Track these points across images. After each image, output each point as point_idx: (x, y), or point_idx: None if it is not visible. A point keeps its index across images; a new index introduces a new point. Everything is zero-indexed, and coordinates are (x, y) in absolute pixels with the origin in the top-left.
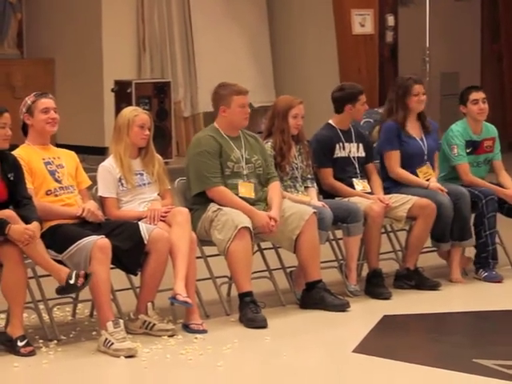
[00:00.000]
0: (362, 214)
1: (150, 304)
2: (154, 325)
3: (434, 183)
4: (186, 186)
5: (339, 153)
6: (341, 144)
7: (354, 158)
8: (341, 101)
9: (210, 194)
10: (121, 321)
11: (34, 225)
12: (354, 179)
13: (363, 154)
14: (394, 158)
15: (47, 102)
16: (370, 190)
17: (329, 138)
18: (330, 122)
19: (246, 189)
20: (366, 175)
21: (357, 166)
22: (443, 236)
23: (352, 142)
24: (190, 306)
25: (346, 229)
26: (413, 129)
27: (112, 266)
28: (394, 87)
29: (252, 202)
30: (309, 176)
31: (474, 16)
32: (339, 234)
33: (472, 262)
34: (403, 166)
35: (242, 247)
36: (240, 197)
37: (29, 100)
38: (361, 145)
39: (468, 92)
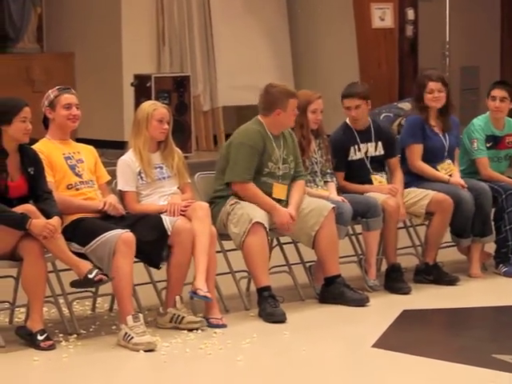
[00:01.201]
0: (381, 209)
1: (178, 297)
2: (184, 318)
3: (454, 178)
4: (203, 179)
5: (354, 156)
6: (356, 146)
7: (367, 157)
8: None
9: (235, 188)
10: (140, 315)
11: (55, 219)
12: (372, 176)
13: (382, 152)
14: (416, 152)
15: (70, 97)
16: (385, 183)
17: (344, 142)
18: (347, 121)
19: (280, 190)
20: (389, 170)
21: (369, 166)
22: (464, 231)
23: (370, 141)
24: (210, 300)
25: (365, 223)
26: (436, 124)
27: (135, 259)
28: (414, 83)
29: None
30: (328, 170)
31: (494, 10)
32: (359, 228)
33: (491, 257)
34: (423, 161)
35: (256, 241)
36: (273, 198)
37: (52, 94)
38: (380, 143)
39: (492, 87)
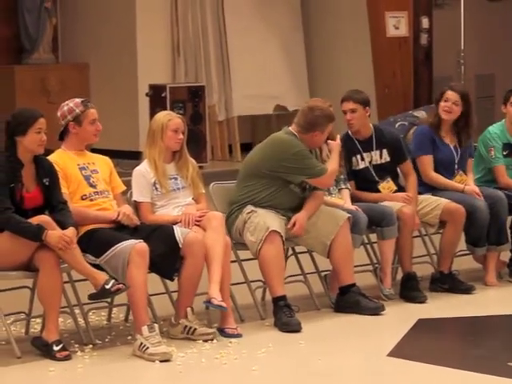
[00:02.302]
0: (396, 217)
1: (189, 309)
2: (195, 329)
3: (469, 187)
4: (218, 189)
5: (358, 165)
6: (358, 156)
7: (372, 166)
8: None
9: (325, 182)
10: (156, 325)
11: (71, 230)
12: (378, 186)
13: (387, 159)
14: (427, 163)
15: (95, 112)
16: (396, 188)
17: (345, 152)
18: (349, 131)
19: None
20: (402, 175)
21: (374, 174)
22: (479, 240)
23: (373, 149)
24: (225, 309)
25: (380, 232)
26: (447, 135)
27: (148, 271)
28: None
29: (295, 208)
30: (342, 176)
31: (509, 17)
32: (374, 237)
33: (506, 265)
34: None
35: (272, 250)
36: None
37: (77, 109)
38: (384, 150)
39: (511, 93)
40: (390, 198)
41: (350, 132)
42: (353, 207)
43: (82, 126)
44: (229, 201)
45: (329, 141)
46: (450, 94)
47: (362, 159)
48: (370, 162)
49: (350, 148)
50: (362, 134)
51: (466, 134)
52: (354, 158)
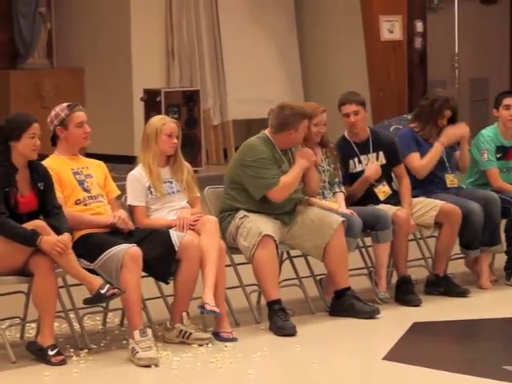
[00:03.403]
0: (390, 221)
1: (185, 313)
2: (191, 334)
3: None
4: (213, 193)
5: (355, 168)
6: (356, 159)
7: None
8: None
9: (271, 196)
10: (149, 330)
11: (66, 236)
12: (374, 189)
13: (384, 162)
14: (414, 158)
15: (81, 115)
16: (390, 192)
17: (342, 155)
18: (345, 134)
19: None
20: (396, 178)
21: None
22: (472, 243)
23: (369, 152)
24: (219, 314)
25: (375, 236)
26: (430, 136)
27: (143, 274)
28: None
29: (288, 211)
30: (336, 180)
31: (503, 20)
32: (368, 241)
33: (494, 279)
34: None
35: (266, 255)
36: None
37: (62, 113)
38: (381, 153)
39: (503, 96)
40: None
41: (346, 135)
42: (347, 211)
43: (68, 129)
44: (219, 207)
45: (303, 149)
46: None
47: (360, 162)
48: (367, 165)
49: (346, 151)
50: (360, 137)
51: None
52: (351, 161)
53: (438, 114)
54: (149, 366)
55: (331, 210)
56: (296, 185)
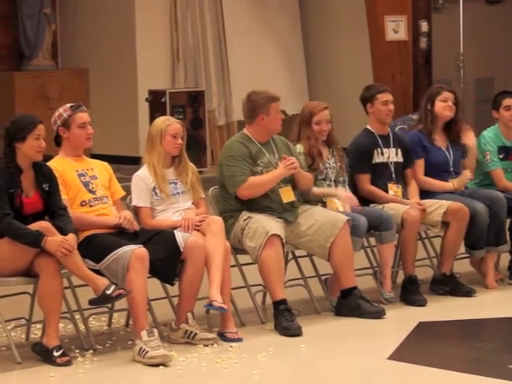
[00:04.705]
0: (393, 222)
1: (190, 314)
2: (196, 334)
3: (455, 181)
4: (217, 194)
5: (377, 159)
6: (379, 150)
7: (391, 163)
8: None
9: (241, 194)
10: (155, 330)
11: (71, 236)
12: (388, 184)
13: (401, 160)
14: (417, 167)
15: (84, 116)
16: (401, 196)
17: (367, 145)
18: (368, 127)
19: (287, 193)
20: (404, 180)
21: (393, 170)
22: (477, 243)
23: (390, 146)
24: (226, 311)
25: (378, 236)
26: (439, 138)
27: (149, 275)
28: (425, 95)
29: (288, 208)
30: (341, 178)
31: (508, 20)
32: (373, 240)
33: (500, 278)
34: (427, 175)
35: (273, 254)
36: (285, 203)
37: (65, 113)
38: (399, 150)
39: (501, 97)
40: (401, 202)
41: (369, 127)
42: (349, 210)
43: (70, 130)
44: (219, 209)
45: (286, 157)
46: (447, 94)
47: (382, 154)
48: (388, 158)
49: (371, 141)
50: (383, 130)
51: (455, 129)
52: (375, 151)
53: (434, 97)
54: (157, 365)
55: (335, 195)
56: (267, 189)
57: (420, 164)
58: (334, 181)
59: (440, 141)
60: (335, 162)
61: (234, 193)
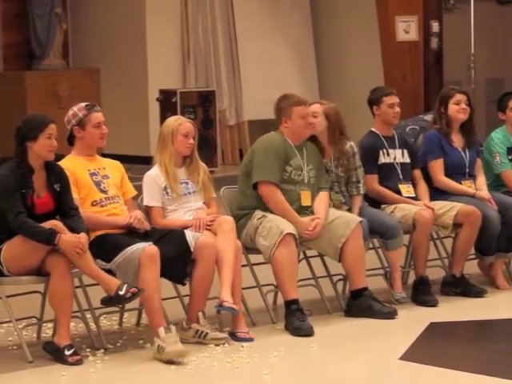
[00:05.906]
0: (399, 230)
1: (201, 313)
2: (207, 334)
3: (480, 192)
4: (229, 193)
5: (383, 159)
6: (385, 150)
7: (397, 163)
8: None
9: (261, 189)
10: (173, 326)
11: (83, 236)
12: (399, 184)
13: (408, 160)
14: (437, 167)
15: (99, 116)
16: (414, 195)
17: (372, 145)
18: (373, 129)
19: (305, 197)
20: (412, 181)
21: (400, 171)
22: (488, 249)
23: (396, 148)
24: (236, 312)
25: (383, 244)
26: (456, 138)
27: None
28: (438, 97)
29: (304, 211)
30: (354, 179)
31: None
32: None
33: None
34: (446, 176)
35: (286, 254)
36: (302, 206)
37: (80, 113)
38: (405, 151)
39: (508, 98)
40: (409, 202)
41: (374, 129)
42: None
43: (85, 129)
44: (234, 206)
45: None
46: (460, 96)
47: (388, 154)
48: (395, 159)
49: (376, 143)
50: (388, 132)
51: (471, 130)
52: (381, 152)
53: (447, 100)
54: (173, 363)
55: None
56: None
57: (439, 164)
58: (345, 184)
59: (457, 142)
60: (336, 166)
61: (255, 179)
